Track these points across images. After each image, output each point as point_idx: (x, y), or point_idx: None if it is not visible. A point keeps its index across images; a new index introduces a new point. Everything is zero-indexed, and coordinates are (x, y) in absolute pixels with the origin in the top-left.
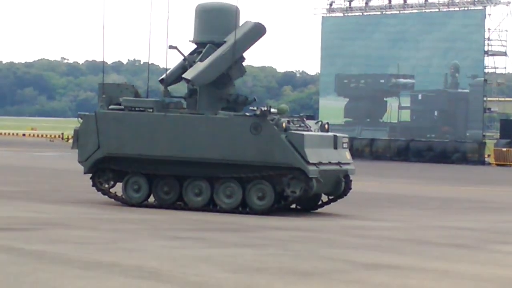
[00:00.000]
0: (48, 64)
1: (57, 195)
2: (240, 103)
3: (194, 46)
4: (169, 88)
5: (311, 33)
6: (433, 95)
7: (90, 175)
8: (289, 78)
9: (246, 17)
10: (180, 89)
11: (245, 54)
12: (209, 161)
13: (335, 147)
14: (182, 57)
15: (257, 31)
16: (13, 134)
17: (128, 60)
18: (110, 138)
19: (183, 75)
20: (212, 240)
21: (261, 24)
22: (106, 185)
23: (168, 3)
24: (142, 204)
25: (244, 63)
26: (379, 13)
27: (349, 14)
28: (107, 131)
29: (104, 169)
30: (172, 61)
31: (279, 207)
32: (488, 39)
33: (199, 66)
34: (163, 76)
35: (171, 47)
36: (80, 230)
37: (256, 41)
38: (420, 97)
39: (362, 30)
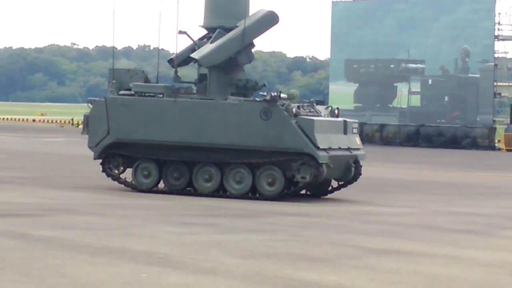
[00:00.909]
0: (58, 50)
1: (66, 181)
2: (250, 88)
3: (204, 31)
4: (179, 73)
5: (321, 18)
6: (443, 80)
7: (100, 160)
8: (299, 63)
9: (256, 2)
10: (190, 74)
11: (255, 40)
12: (219, 146)
13: (345, 133)
14: (192, 42)
15: (269, 19)
16: (23, 119)
17: (138, 45)
18: (120, 123)
19: (191, 55)
20: (222, 226)
21: (274, 13)
22: (116, 171)
23: None
24: (152, 190)
25: (254, 49)
26: None
27: None
28: (117, 117)
29: (114, 155)
30: (182, 47)
31: (289, 193)
32: (499, 23)
33: (208, 47)
34: (172, 56)
35: (180, 32)
36: (89, 216)
37: (267, 29)
38: (430, 82)
39: (372, 15)
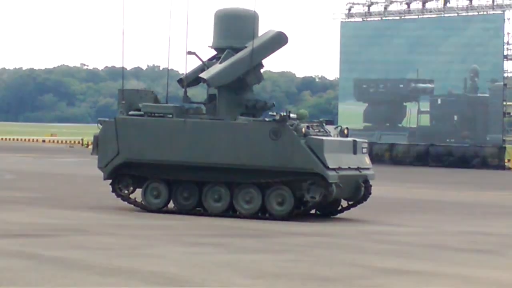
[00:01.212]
0: (68, 70)
1: (76, 201)
2: (259, 109)
3: (214, 52)
4: (188, 93)
5: (330, 38)
6: (453, 100)
7: (110, 181)
8: (308, 83)
9: (265, 22)
10: (199, 94)
11: (264, 60)
12: (228, 166)
13: (355, 152)
14: (201, 63)
15: (278, 40)
16: (33, 140)
17: (148, 65)
18: (130, 144)
19: (200, 75)
20: (232, 246)
21: (283, 34)
22: (126, 191)
23: (187, 9)
24: (161, 210)
25: (263, 69)
26: (398, 18)
27: (368, 19)
28: (127, 137)
29: (124, 175)
30: (191, 67)
31: (299, 212)
32: (507, 43)
33: (216, 68)
34: (182, 76)
35: (189, 52)
36: (99, 236)
37: (276, 49)
38: (439, 101)
39: (381, 35)
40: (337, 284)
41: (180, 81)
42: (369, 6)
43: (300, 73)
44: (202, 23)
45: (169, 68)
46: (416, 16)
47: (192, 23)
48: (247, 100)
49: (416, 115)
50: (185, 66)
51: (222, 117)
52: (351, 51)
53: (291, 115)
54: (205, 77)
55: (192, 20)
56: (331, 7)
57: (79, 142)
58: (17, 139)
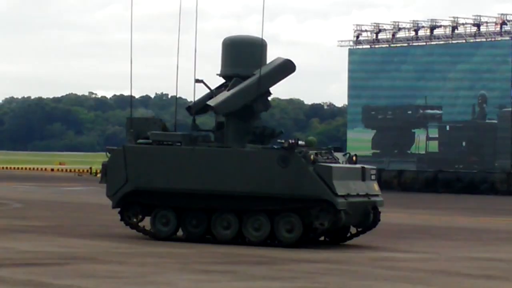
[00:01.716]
0: (76, 99)
1: (85, 230)
2: (267, 136)
3: (222, 80)
4: (197, 121)
5: (338, 65)
6: (461, 126)
7: (119, 209)
8: (316, 110)
9: (273, 50)
10: (208, 122)
11: (272, 88)
12: (237, 194)
13: (363, 179)
14: (210, 91)
15: (286, 68)
16: (42, 169)
17: (156, 94)
18: (139, 172)
19: (207, 102)
20: (241, 273)
21: (291, 61)
22: (135, 219)
23: (195, 37)
24: (170, 237)
25: (271, 96)
26: (406, 44)
27: (376, 46)
28: (135, 165)
29: (133, 203)
30: (199, 95)
31: (308, 239)
32: None
33: (224, 95)
34: (191, 104)
35: (197, 80)
36: (108, 265)
37: (284, 77)
38: (448, 128)
39: (389, 61)
40: None
41: (188, 109)
42: (377, 33)
43: (308, 100)
44: (211, 51)
45: (177, 96)
46: (424, 43)
47: (201, 51)
48: (255, 128)
49: (424, 141)
50: (193, 94)
51: (230, 144)
52: (359, 78)
53: (300, 142)
54: (212, 105)
55: (201, 48)
56: (339, 34)
57: (87, 171)
58: (26, 168)
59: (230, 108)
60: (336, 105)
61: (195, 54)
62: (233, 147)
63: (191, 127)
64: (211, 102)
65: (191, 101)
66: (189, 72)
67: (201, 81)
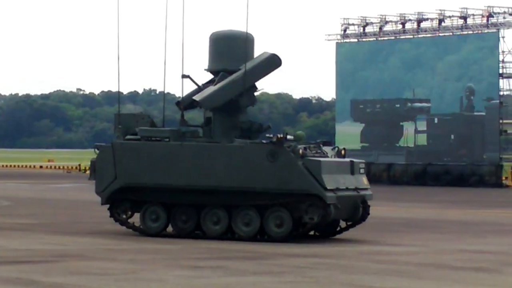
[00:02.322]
0: (64, 96)
1: (75, 227)
2: (255, 131)
3: (210, 75)
4: (186, 117)
5: (326, 59)
6: (449, 119)
7: (108, 206)
8: (305, 104)
9: (260, 44)
10: (196, 118)
11: (260, 82)
12: (226, 189)
13: (352, 173)
14: (196, 86)
15: (272, 62)
16: (30, 166)
17: (144, 89)
18: (127, 168)
19: (193, 97)
20: (231, 268)
21: (276, 56)
22: (124, 216)
23: (183, 32)
24: (160, 233)
25: (261, 91)
26: (393, 38)
27: (363, 40)
28: (124, 162)
29: (122, 200)
30: (188, 91)
31: (297, 234)
32: (503, 61)
33: (209, 90)
34: (180, 99)
35: (184, 76)
36: (98, 261)
37: (270, 71)
38: (436, 120)
39: (376, 55)
40: None
41: (177, 104)
42: (364, 26)
43: (296, 95)
44: (199, 46)
45: (165, 92)
46: (411, 36)
47: (188, 46)
48: (242, 123)
49: (413, 134)
50: (181, 89)
51: (218, 139)
52: (347, 72)
53: (288, 136)
54: (197, 99)
55: (189, 43)
56: (326, 28)
57: (76, 168)
58: (14, 166)
59: (216, 102)
60: (325, 99)
61: (182, 50)
62: (222, 142)
63: (179, 122)
64: (196, 97)
65: (179, 97)
66: (177, 68)
67: (188, 77)
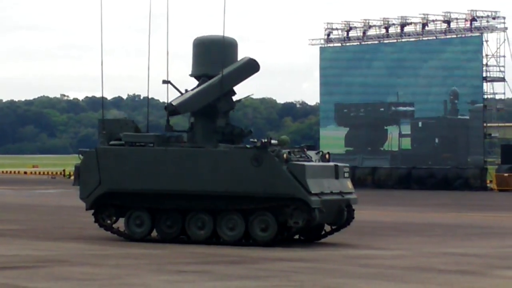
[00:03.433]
0: (48, 101)
1: (59, 232)
2: (236, 135)
3: (195, 80)
4: (172, 122)
5: (310, 63)
6: (433, 122)
7: (92, 211)
8: (289, 109)
9: (244, 49)
10: (182, 123)
11: (241, 87)
12: (211, 194)
13: (337, 177)
14: (178, 92)
15: (249, 67)
16: (14, 172)
17: (128, 95)
18: (112, 173)
19: (172, 101)
20: (216, 273)
21: (254, 60)
22: (109, 221)
23: (167, 37)
24: (145, 238)
25: (249, 96)
26: (376, 42)
27: (347, 44)
28: (108, 167)
29: (106, 205)
30: (172, 96)
31: (282, 238)
32: (486, 65)
33: (187, 94)
34: (167, 104)
35: (164, 81)
36: (83, 267)
37: (248, 76)
38: (420, 124)
39: (360, 59)
40: None
41: (166, 108)
42: (347, 31)
43: (280, 99)
44: (184, 51)
45: (149, 97)
46: (395, 40)
47: (173, 51)
48: (223, 127)
49: (397, 138)
50: (166, 95)
51: (200, 144)
52: (331, 76)
53: (273, 141)
54: (174, 104)
55: (173, 48)
56: (309, 32)
57: (61, 173)
58: None
59: (192, 107)
60: (309, 103)
61: (167, 56)
62: (206, 147)
63: (165, 128)
64: (174, 102)
65: (164, 102)
66: (161, 73)
67: (169, 82)
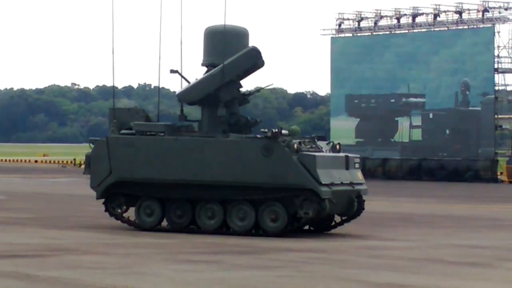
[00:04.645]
0: (59, 90)
1: (70, 221)
2: (242, 125)
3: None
4: (187, 112)
5: (321, 54)
6: (444, 114)
7: (103, 200)
8: (300, 99)
9: (256, 39)
10: (195, 113)
11: (259, 78)
12: (221, 184)
13: (347, 168)
14: (186, 81)
15: (250, 56)
16: (25, 160)
17: (139, 84)
18: (122, 163)
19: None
20: (226, 263)
21: (255, 49)
22: (119, 210)
23: (181, 26)
24: (155, 228)
25: (255, 86)
26: (388, 32)
27: (358, 34)
28: (119, 156)
29: (117, 194)
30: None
31: (292, 228)
32: (498, 56)
33: (190, 84)
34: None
35: (172, 71)
36: (93, 256)
37: (249, 65)
38: (431, 116)
39: (371, 50)
40: None
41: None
42: (359, 21)
43: (291, 89)
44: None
45: (160, 87)
46: (406, 31)
47: (185, 41)
48: (228, 117)
49: (408, 129)
50: (180, 84)
51: (209, 134)
52: (342, 67)
53: (283, 131)
54: (176, 93)
55: (185, 38)
56: (321, 22)
57: (71, 162)
58: (9, 160)
59: (193, 97)
60: (319, 94)
61: (181, 45)
62: (217, 136)
63: (178, 117)
64: (178, 91)
65: (174, 91)
66: (172, 62)
67: (176, 72)
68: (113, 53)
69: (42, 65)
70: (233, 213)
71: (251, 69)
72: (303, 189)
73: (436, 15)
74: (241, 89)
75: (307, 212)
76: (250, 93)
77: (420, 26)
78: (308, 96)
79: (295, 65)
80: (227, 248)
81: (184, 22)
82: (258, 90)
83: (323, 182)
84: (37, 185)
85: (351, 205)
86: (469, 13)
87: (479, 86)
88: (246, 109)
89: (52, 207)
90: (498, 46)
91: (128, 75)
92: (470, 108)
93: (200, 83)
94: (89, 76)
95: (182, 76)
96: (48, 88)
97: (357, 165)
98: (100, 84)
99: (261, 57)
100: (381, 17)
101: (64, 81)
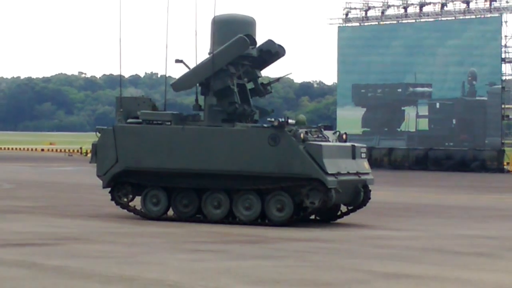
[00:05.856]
0: (65, 79)
1: (76, 210)
2: (240, 115)
3: None
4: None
5: (328, 43)
6: (451, 103)
7: (109, 189)
8: (306, 89)
9: (263, 28)
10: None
11: (278, 68)
12: (227, 173)
13: (354, 157)
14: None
15: (238, 44)
16: (32, 149)
17: (146, 73)
18: (128, 151)
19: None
20: (232, 252)
21: (243, 37)
22: (125, 199)
23: (196, 16)
24: (161, 217)
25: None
26: (395, 22)
27: (365, 24)
28: (125, 145)
29: (123, 183)
30: None
31: (299, 218)
32: (505, 46)
33: (183, 74)
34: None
35: (177, 60)
36: (100, 244)
37: (239, 53)
38: (437, 105)
39: (378, 39)
40: None
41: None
42: (366, 10)
43: (298, 79)
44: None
45: (167, 76)
46: (414, 20)
47: (192, 30)
48: (227, 106)
49: (414, 119)
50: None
51: (220, 123)
52: (349, 56)
53: (290, 121)
54: (170, 83)
55: (193, 26)
56: (328, 12)
57: (78, 151)
58: (16, 148)
59: (185, 86)
60: (326, 83)
61: (196, 35)
62: (223, 126)
63: (193, 107)
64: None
65: None
66: (179, 51)
67: (181, 61)
68: (120, 41)
69: (49, 54)
70: (239, 203)
71: (272, 58)
72: (310, 178)
73: (443, 5)
74: (259, 79)
75: (313, 201)
76: (269, 83)
77: (428, 15)
78: (315, 85)
79: (302, 54)
80: (233, 238)
81: (192, 12)
82: (278, 79)
83: (329, 172)
84: (43, 173)
85: (357, 195)
86: (476, 2)
87: (486, 76)
88: (253, 98)
89: (58, 195)
90: (506, 36)
91: (135, 64)
92: (477, 98)
93: (192, 72)
94: (96, 64)
95: (187, 66)
96: (55, 76)
97: (363, 155)
98: (107, 73)
99: (248, 44)
100: (388, 6)
101: (71, 70)
